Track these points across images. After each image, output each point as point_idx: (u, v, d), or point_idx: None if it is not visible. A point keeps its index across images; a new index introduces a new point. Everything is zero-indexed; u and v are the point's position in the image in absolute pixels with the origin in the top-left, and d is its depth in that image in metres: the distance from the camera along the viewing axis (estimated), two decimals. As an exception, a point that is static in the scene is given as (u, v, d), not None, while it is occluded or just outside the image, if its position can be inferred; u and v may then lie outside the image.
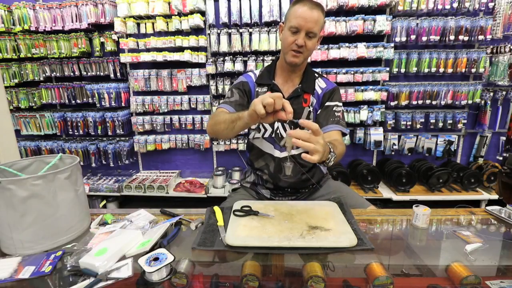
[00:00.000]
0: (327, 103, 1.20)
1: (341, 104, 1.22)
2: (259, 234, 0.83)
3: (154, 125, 2.79)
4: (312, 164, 1.26)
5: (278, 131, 1.21)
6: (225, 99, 1.22)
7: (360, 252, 0.77)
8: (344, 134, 1.18)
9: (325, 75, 1.33)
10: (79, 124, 2.76)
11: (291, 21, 1.07)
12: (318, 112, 1.22)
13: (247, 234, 0.83)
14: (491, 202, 2.43)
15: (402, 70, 2.47)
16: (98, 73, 2.68)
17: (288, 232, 0.84)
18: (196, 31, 2.61)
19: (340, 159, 1.06)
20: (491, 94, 2.49)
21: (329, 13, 2.39)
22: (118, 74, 2.66)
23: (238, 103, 1.18)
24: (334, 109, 1.19)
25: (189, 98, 2.71)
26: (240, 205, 1.01)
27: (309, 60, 2.42)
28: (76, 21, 2.56)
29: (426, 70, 2.44)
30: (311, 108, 1.20)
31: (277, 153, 1.22)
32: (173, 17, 2.48)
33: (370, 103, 2.57)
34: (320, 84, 1.24)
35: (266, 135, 1.23)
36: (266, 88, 1.22)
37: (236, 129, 0.96)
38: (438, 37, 2.36)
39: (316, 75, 1.27)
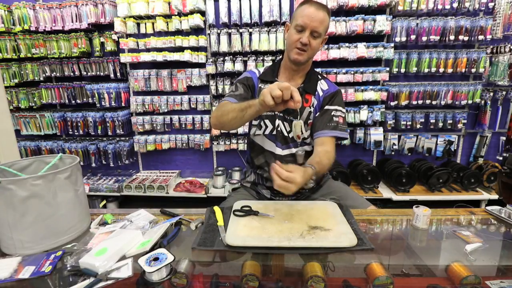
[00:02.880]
0: (326, 107, 1.20)
1: (341, 108, 1.21)
2: (259, 234, 0.83)
3: (154, 125, 2.79)
4: None
5: (279, 128, 1.21)
6: (230, 92, 1.22)
7: (360, 252, 0.77)
8: (343, 139, 1.18)
9: (326, 76, 1.33)
10: (79, 124, 2.76)
11: (297, 20, 1.10)
12: (316, 115, 1.21)
13: (247, 234, 0.83)
14: (491, 202, 2.43)
15: (402, 70, 2.47)
16: (98, 73, 2.68)
17: (288, 232, 0.84)
18: (196, 31, 2.61)
19: (327, 169, 1.10)
20: (491, 94, 2.49)
21: (329, 13, 2.39)
22: (118, 74, 2.66)
23: (243, 96, 1.18)
24: (332, 113, 1.18)
25: (189, 98, 2.71)
26: (240, 205, 1.01)
27: (309, 60, 2.43)
28: (76, 21, 2.56)
29: (426, 70, 2.44)
30: (311, 109, 1.20)
31: (279, 151, 1.22)
32: (173, 17, 2.48)
33: (370, 103, 2.57)
34: (322, 86, 1.24)
35: (267, 132, 1.23)
36: (269, 85, 1.22)
37: (245, 117, 0.98)
38: (438, 37, 2.35)
39: (319, 77, 1.27)
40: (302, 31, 1.09)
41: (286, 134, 1.21)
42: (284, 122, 1.21)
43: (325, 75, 1.31)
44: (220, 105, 1.14)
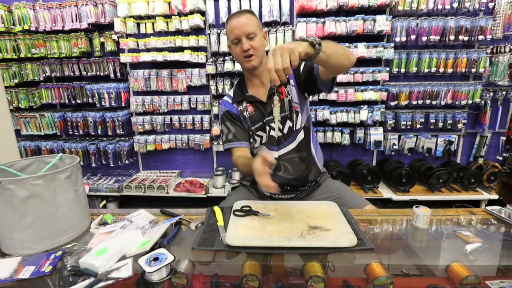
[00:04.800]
0: (303, 64, 1.16)
1: None
2: (259, 234, 0.84)
3: (154, 125, 2.78)
4: (307, 161, 1.26)
5: (270, 134, 1.24)
6: (226, 138, 1.28)
7: (360, 252, 0.77)
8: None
9: None
10: (79, 124, 2.76)
11: (230, 36, 1.17)
12: (302, 72, 1.17)
13: (247, 234, 0.83)
14: (491, 202, 2.43)
15: (402, 70, 2.47)
16: (98, 73, 2.68)
17: (288, 232, 0.84)
18: (196, 31, 2.61)
19: (344, 59, 0.94)
20: (491, 94, 2.49)
21: (329, 13, 2.39)
22: (118, 74, 2.66)
23: (238, 132, 1.26)
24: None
25: (189, 98, 2.71)
26: (240, 205, 1.01)
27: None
28: (76, 21, 2.56)
29: (426, 70, 2.43)
30: (289, 97, 1.20)
31: (274, 154, 1.24)
32: (173, 17, 2.48)
33: (370, 103, 2.57)
34: None
35: (263, 141, 1.27)
36: (245, 102, 1.26)
37: None
38: (438, 37, 2.35)
39: None
40: (239, 42, 1.15)
41: (279, 133, 1.23)
42: (279, 121, 1.21)
43: None
44: (234, 156, 1.24)
